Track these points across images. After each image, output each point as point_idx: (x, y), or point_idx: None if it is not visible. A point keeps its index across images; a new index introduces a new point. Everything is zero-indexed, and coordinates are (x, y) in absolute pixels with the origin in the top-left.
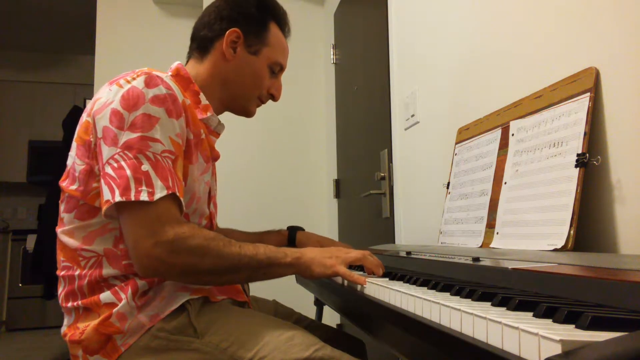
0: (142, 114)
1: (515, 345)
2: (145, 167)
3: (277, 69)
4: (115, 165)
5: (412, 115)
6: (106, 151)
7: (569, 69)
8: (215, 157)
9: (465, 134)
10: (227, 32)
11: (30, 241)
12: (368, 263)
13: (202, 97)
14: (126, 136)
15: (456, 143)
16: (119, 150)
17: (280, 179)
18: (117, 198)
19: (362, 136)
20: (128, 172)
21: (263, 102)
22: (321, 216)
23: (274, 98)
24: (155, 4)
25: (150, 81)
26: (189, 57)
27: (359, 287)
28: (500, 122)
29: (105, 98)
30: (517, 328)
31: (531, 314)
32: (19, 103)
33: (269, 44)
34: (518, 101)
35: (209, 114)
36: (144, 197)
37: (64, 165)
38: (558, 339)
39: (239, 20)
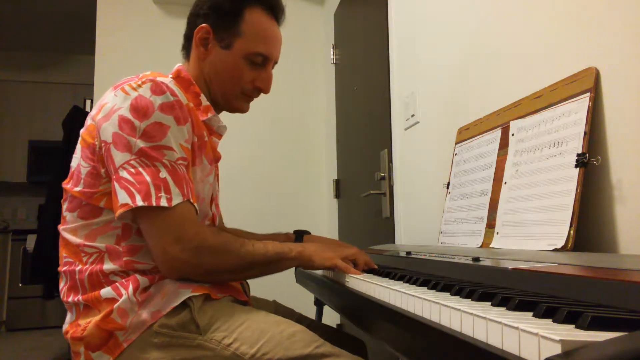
0: (153, 122)
1: (515, 345)
2: (163, 174)
3: (258, 60)
4: (133, 170)
5: (412, 115)
6: (119, 156)
7: (569, 69)
8: (217, 158)
9: (465, 134)
10: (196, 30)
11: (30, 241)
12: (360, 260)
13: (202, 98)
14: (140, 144)
15: (456, 143)
16: (134, 156)
17: (281, 179)
18: (139, 202)
19: (362, 136)
20: (147, 178)
21: (251, 97)
22: (321, 216)
23: (263, 91)
24: (155, 4)
25: (157, 88)
26: (183, 57)
27: (355, 286)
28: (500, 122)
29: (112, 104)
30: (517, 328)
31: (531, 314)
32: (19, 103)
33: (243, 34)
34: (518, 101)
35: (210, 115)
36: (163, 202)
37: (64, 165)
38: (558, 339)
39: (211, 15)
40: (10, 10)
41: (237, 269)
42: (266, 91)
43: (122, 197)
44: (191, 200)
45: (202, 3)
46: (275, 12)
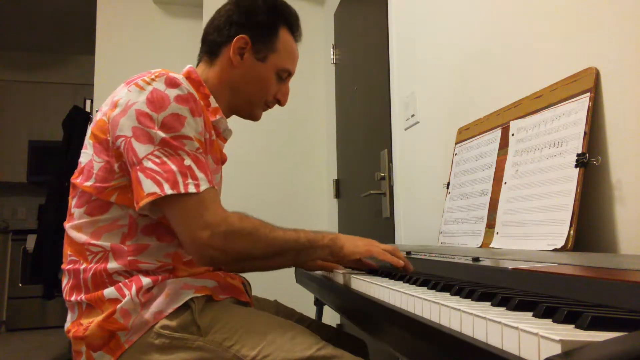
0: (170, 114)
1: (515, 345)
2: (188, 162)
3: (284, 75)
4: (158, 160)
5: (412, 115)
6: (142, 148)
7: (569, 69)
8: (223, 160)
9: (465, 134)
10: (235, 39)
11: (30, 241)
12: (398, 254)
13: (211, 99)
14: (161, 134)
15: (456, 143)
16: (157, 147)
17: (281, 179)
18: (168, 191)
19: (362, 136)
20: (173, 167)
21: (269, 107)
22: (321, 216)
23: (280, 103)
24: (155, 4)
25: (171, 82)
26: (199, 59)
27: (355, 285)
28: (500, 122)
29: (126, 99)
30: (516, 328)
31: (531, 314)
32: (19, 103)
33: (277, 51)
34: (518, 101)
35: (218, 116)
36: (191, 189)
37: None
38: (558, 339)
39: (248, 26)
40: (10, 10)
41: (267, 254)
42: (284, 103)
43: (148, 186)
44: (215, 187)
45: (237, 12)
46: (298, 33)
